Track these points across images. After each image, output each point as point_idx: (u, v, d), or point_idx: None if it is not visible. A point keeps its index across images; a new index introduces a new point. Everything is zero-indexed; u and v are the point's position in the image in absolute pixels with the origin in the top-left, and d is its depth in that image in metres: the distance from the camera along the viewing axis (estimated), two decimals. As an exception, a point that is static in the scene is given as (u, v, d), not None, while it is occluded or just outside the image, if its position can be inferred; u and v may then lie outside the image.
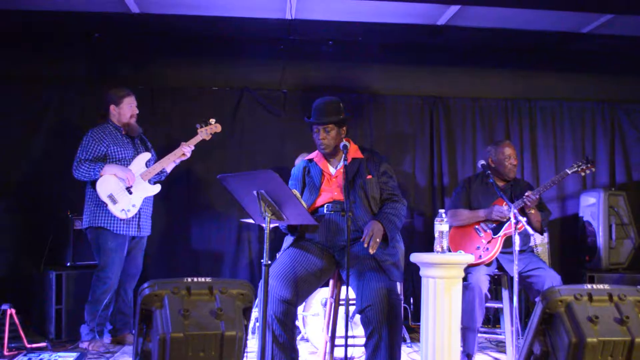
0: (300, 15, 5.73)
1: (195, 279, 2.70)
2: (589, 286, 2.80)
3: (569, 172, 4.78)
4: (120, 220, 4.89)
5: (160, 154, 5.18)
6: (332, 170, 3.94)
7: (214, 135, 5.24)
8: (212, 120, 5.21)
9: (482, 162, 4.72)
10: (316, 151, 4.02)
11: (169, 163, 5.09)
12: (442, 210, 3.77)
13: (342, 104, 3.93)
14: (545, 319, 2.78)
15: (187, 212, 6.15)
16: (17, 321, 4.52)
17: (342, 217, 3.73)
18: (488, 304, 4.82)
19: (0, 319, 4.51)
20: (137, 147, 5.12)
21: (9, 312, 4.48)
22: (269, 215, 3.31)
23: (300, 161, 4.24)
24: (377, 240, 3.63)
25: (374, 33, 6.18)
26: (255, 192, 3.26)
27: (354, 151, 3.94)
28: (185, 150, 5.08)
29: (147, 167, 5.04)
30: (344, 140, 3.84)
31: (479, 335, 4.79)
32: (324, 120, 3.83)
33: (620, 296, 2.78)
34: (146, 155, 5.10)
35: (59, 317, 5.17)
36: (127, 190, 4.89)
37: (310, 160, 4.04)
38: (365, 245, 3.60)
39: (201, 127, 5.16)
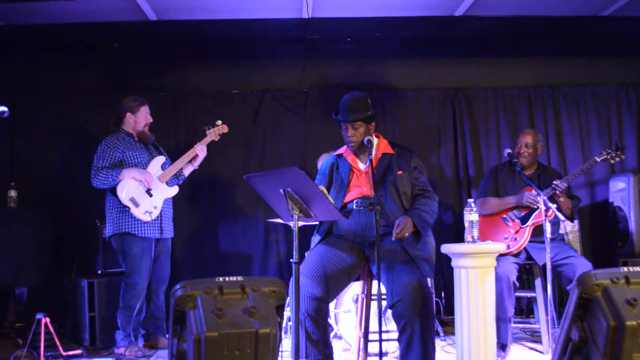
0: (316, 13, 5.72)
1: (227, 278, 2.70)
2: (625, 269, 2.75)
3: (598, 159, 4.71)
4: (144, 223, 4.91)
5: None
6: (361, 166, 3.90)
7: (222, 137, 5.26)
8: (219, 122, 5.25)
9: (509, 150, 4.68)
10: (344, 146, 4.00)
11: (183, 164, 5.11)
12: (471, 200, 3.73)
13: (370, 99, 3.88)
14: (582, 305, 2.73)
15: (213, 214, 6.18)
16: (52, 330, 4.56)
17: (371, 212, 3.69)
18: (519, 294, 4.76)
19: (35, 328, 4.56)
20: (151, 152, 5.15)
21: (43, 321, 4.52)
22: (297, 212, 3.31)
23: (325, 159, 4.20)
24: (406, 235, 3.60)
25: (391, 27, 6.14)
26: (281, 190, 3.26)
27: (384, 146, 3.91)
28: (198, 150, 5.11)
29: (162, 170, 5.07)
30: (373, 135, 3.81)
31: (513, 325, 4.74)
32: (352, 117, 3.77)
33: (658, 278, 2.73)
34: (161, 159, 5.13)
35: (92, 324, 5.22)
36: (147, 192, 4.92)
37: (340, 156, 4.00)
38: (394, 239, 3.58)
39: (209, 128, 5.20)
